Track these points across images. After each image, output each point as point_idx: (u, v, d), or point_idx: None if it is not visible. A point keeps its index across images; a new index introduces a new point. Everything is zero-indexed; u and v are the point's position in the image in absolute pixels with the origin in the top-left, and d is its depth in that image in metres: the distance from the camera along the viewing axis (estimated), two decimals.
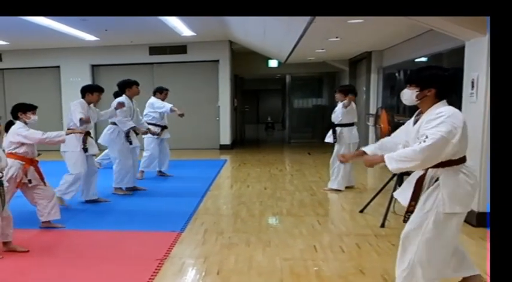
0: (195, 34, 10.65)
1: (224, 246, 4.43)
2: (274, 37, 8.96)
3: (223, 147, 12.36)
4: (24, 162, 4.68)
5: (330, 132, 6.81)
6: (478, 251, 3.95)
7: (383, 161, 2.84)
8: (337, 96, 6.86)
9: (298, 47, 8.64)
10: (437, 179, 2.84)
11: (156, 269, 3.83)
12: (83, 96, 5.96)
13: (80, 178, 5.86)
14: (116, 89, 6.91)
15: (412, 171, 3.02)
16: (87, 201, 6.17)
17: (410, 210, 2.96)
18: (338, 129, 6.75)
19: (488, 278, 3.06)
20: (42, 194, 4.85)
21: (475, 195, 3.02)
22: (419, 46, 7.61)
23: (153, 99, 7.92)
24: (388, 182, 5.41)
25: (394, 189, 4.73)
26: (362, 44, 9.03)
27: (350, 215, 5.55)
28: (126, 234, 4.88)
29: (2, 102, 12.82)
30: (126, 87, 6.72)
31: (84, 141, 5.79)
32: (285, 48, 9.62)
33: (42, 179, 4.82)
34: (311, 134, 15.24)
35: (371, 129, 9.80)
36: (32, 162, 4.77)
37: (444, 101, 2.87)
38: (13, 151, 4.66)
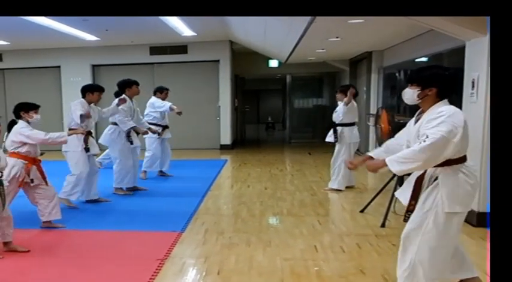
0: (195, 34, 10.65)
1: (225, 246, 4.43)
2: (275, 37, 8.97)
3: (223, 147, 12.36)
4: (26, 162, 4.69)
5: (331, 131, 6.83)
6: (478, 251, 3.95)
7: (385, 165, 2.85)
8: (338, 96, 6.88)
9: (299, 47, 8.64)
10: (436, 178, 2.84)
11: (156, 269, 3.84)
12: (83, 96, 5.97)
13: (83, 178, 5.87)
14: (117, 89, 6.92)
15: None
16: (88, 201, 6.18)
17: (410, 209, 2.96)
18: (339, 128, 6.76)
19: (488, 278, 3.06)
20: (43, 193, 4.85)
21: (475, 195, 3.02)
22: (420, 46, 7.61)
23: (153, 99, 7.94)
24: (388, 182, 5.41)
25: (395, 189, 4.73)
26: (362, 44, 9.03)
27: (350, 215, 5.55)
28: (127, 234, 4.88)
29: (3, 102, 12.83)
30: (125, 87, 6.72)
31: (86, 141, 5.80)
32: (286, 48, 9.62)
33: (44, 178, 4.83)
34: (311, 134, 15.24)
35: (371, 129, 9.80)
36: (35, 161, 4.78)
37: (445, 101, 2.88)
38: (16, 150, 4.67)
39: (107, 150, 8.13)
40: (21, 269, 3.93)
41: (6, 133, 4.79)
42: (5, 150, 4.47)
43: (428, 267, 2.86)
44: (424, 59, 7.68)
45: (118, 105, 6.43)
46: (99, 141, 6.85)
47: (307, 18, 5.87)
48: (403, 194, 3.05)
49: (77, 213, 5.71)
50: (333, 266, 3.90)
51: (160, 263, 3.96)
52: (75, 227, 5.13)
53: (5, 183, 4.14)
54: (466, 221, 3.48)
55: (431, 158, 2.71)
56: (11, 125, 4.79)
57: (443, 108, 2.79)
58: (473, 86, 4.78)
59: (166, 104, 7.84)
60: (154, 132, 7.44)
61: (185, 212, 5.62)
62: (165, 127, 7.99)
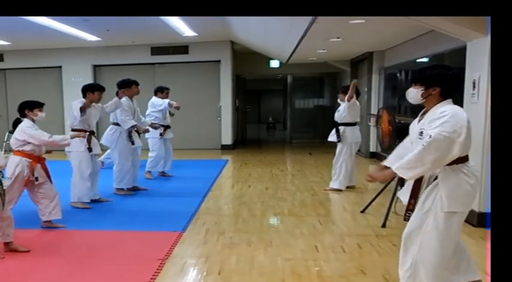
0: (196, 34, 10.66)
1: (225, 246, 4.44)
2: (276, 37, 8.97)
3: (224, 148, 12.36)
4: (31, 160, 4.69)
5: (333, 131, 6.84)
6: (479, 251, 3.94)
7: (394, 174, 2.85)
8: (340, 96, 6.89)
9: (300, 48, 8.64)
10: (436, 178, 2.84)
11: (157, 269, 3.84)
12: (84, 96, 5.96)
13: (87, 178, 5.88)
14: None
15: None
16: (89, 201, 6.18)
17: (410, 208, 2.96)
18: (341, 128, 6.77)
19: (488, 278, 3.05)
20: (45, 193, 4.86)
21: (476, 195, 3.01)
22: (421, 46, 7.61)
23: (154, 99, 7.97)
24: (389, 183, 5.37)
25: (395, 190, 4.73)
26: (363, 44, 9.03)
27: (351, 215, 5.55)
28: (128, 234, 4.88)
29: (4, 102, 12.85)
30: (125, 86, 6.71)
31: (89, 141, 5.81)
32: (287, 49, 9.62)
33: (48, 176, 4.84)
34: (312, 134, 15.25)
35: (372, 130, 9.81)
36: (39, 159, 4.79)
37: (449, 100, 2.88)
38: (20, 149, 4.68)
39: (108, 150, 8.14)
40: (21, 269, 3.94)
41: (7, 133, 4.79)
42: (10, 149, 4.47)
43: (429, 267, 2.86)
44: (425, 60, 7.68)
45: (120, 97, 6.44)
46: (101, 141, 6.84)
47: (308, 19, 5.88)
48: (405, 194, 3.05)
49: (78, 213, 5.72)
50: (333, 266, 3.90)
51: (161, 263, 3.97)
52: (76, 227, 5.14)
53: (7, 182, 4.13)
54: (467, 221, 3.48)
55: (438, 159, 2.70)
56: (15, 123, 4.79)
57: (446, 108, 2.79)
58: (474, 87, 4.78)
59: (165, 101, 7.88)
60: (155, 127, 7.46)
61: (186, 212, 5.62)
62: (167, 127, 8.01)
